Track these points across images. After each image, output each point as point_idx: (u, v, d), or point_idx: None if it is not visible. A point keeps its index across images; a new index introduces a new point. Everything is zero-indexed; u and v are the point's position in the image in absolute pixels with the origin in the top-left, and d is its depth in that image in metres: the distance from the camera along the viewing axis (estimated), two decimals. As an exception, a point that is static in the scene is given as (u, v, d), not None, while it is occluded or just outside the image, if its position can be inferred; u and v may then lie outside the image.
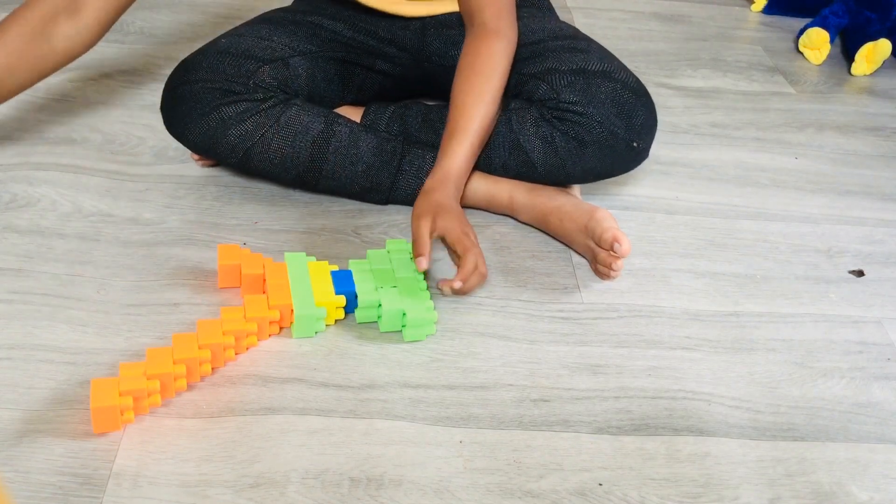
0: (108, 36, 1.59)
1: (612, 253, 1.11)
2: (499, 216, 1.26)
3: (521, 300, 1.12)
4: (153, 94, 1.46)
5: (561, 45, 1.21)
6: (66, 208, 1.19)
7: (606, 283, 1.16)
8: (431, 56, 1.32)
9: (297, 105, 1.19)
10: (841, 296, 1.19)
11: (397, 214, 1.24)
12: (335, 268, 1.08)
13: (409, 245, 1.12)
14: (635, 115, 1.16)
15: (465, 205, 1.23)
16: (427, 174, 1.21)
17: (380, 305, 1.03)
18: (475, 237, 1.07)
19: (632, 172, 1.36)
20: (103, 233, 1.16)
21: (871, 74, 1.80)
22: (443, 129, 1.21)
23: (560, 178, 1.20)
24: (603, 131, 1.15)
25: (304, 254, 1.08)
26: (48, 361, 0.97)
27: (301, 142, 1.17)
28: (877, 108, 1.68)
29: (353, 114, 1.28)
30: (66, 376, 0.95)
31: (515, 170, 1.20)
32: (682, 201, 1.34)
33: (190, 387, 0.95)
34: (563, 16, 1.86)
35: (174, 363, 0.92)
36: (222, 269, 1.07)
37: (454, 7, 1.29)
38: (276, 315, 1.01)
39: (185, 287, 1.08)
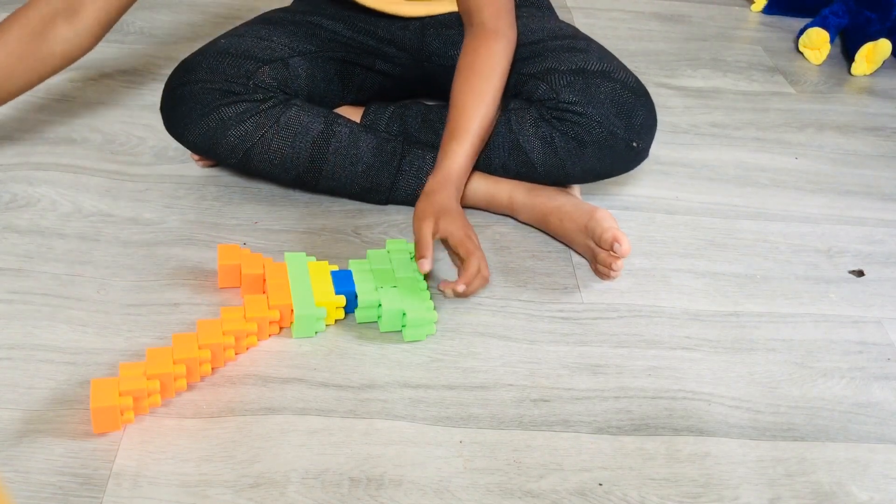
0: (108, 36, 1.59)
1: (612, 253, 1.11)
2: (499, 216, 1.26)
3: (521, 300, 1.12)
4: (153, 94, 1.46)
5: (560, 45, 1.21)
6: (66, 208, 1.19)
7: (606, 283, 1.16)
8: (431, 56, 1.32)
9: (297, 105, 1.19)
10: (841, 296, 1.19)
11: (397, 214, 1.24)
12: (335, 268, 1.08)
13: (410, 245, 1.12)
14: (635, 115, 1.16)
15: (465, 205, 1.23)
16: (427, 174, 1.21)
17: (380, 305, 1.03)
18: (477, 240, 1.07)
19: (632, 172, 1.36)
20: (103, 233, 1.16)
21: (871, 74, 1.80)
22: (442, 129, 1.21)
23: (560, 179, 1.20)
24: (602, 131, 1.15)
25: (304, 254, 1.08)
26: (48, 361, 0.97)
27: (301, 142, 1.17)
28: (877, 108, 1.68)
29: (353, 114, 1.28)
30: (66, 376, 0.95)
31: (515, 170, 1.20)
32: (682, 201, 1.34)
33: (190, 387, 0.95)
34: (563, 16, 1.86)
35: (174, 363, 0.92)
36: (222, 269, 1.07)
37: (453, 7, 1.29)
38: (276, 315, 1.01)
39: (185, 287, 1.08)
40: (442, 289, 1.05)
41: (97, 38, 1.21)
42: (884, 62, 1.80)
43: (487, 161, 1.20)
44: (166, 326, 1.03)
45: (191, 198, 1.24)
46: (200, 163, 1.29)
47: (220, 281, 1.08)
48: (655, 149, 1.42)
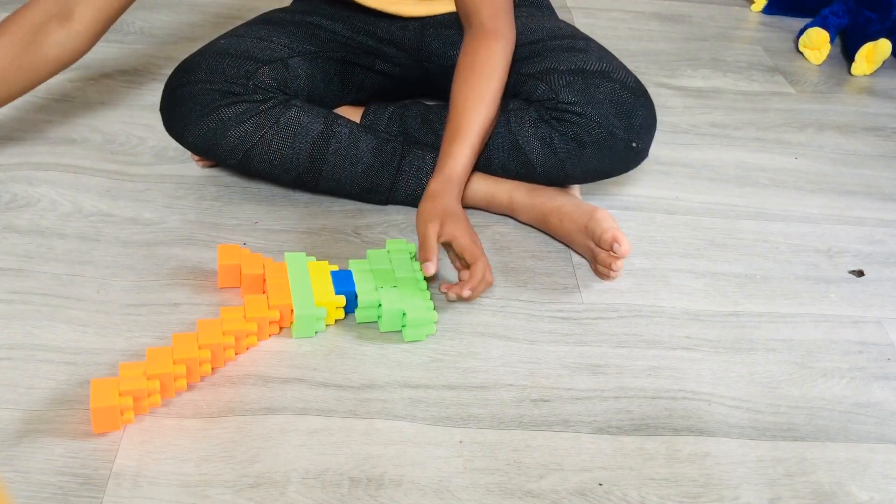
0: (107, 36, 1.59)
1: (611, 253, 1.11)
2: (499, 216, 1.26)
3: (521, 300, 1.12)
4: (153, 94, 1.46)
5: (560, 45, 1.21)
6: (66, 208, 1.19)
7: (606, 283, 1.16)
8: (430, 56, 1.32)
9: (297, 106, 1.18)
10: (841, 296, 1.19)
11: (397, 214, 1.24)
12: (335, 268, 1.08)
13: (410, 245, 1.12)
14: (634, 115, 1.16)
15: (465, 205, 1.23)
16: (426, 175, 1.21)
17: (380, 305, 1.03)
18: (481, 245, 1.07)
19: (632, 172, 1.36)
20: (103, 233, 1.16)
21: (871, 74, 1.80)
22: (442, 129, 1.21)
23: (559, 179, 1.20)
24: (602, 132, 1.15)
25: (304, 254, 1.08)
26: (48, 361, 0.97)
27: (301, 143, 1.17)
28: (877, 108, 1.68)
29: (353, 114, 1.28)
30: (66, 376, 0.95)
31: (515, 171, 1.20)
32: (682, 201, 1.34)
33: (190, 387, 0.95)
34: (563, 16, 1.86)
35: (174, 363, 0.92)
36: (222, 269, 1.07)
37: (453, 7, 1.29)
38: (276, 315, 1.01)
39: (185, 287, 1.08)
40: (444, 290, 1.05)
41: (91, 42, 1.20)
42: (884, 62, 1.80)
43: (487, 162, 1.20)
44: (166, 326, 1.03)
45: (191, 198, 1.24)
46: (200, 163, 1.29)
47: (220, 281, 1.08)
48: (655, 149, 1.42)
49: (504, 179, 1.22)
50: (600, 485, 0.90)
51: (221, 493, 0.85)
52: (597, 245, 1.13)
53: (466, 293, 1.04)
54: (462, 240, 1.05)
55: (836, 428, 0.99)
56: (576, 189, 1.26)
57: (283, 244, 1.17)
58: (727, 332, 1.10)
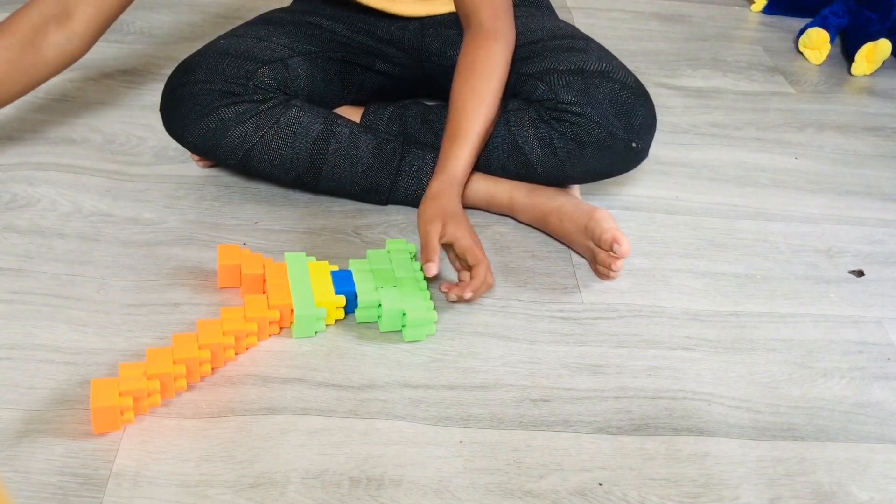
0: (107, 36, 1.59)
1: (611, 253, 1.11)
2: (499, 216, 1.26)
3: (521, 300, 1.12)
4: (153, 94, 1.46)
5: (559, 45, 1.21)
6: (66, 208, 1.19)
7: (606, 283, 1.16)
8: (430, 56, 1.32)
9: (297, 106, 1.18)
10: (841, 296, 1.19)
11: (397, 214, 1.24)
12: (335, 268, 1.08)
13: (410, 245, 1.12)
14: (634, 115, 1.16)
15: (465, 205, 1.23)
16: (426, 175, 1.21)
17: (380, 305, 1.03)
18: (482, 246, 1.07)
19: (632, 172, 1.36)
20: (103, 233, 1.16)
21: (871, 74, 1.80)
22: (441, 129, 1.21)
23: (559, 179, 1.20)
24: (601, 132, 1.15)
25: (304, 254, 1.08)
26: (48, 361, 0.97)
27: (301, 143, 1.17)
28: (877, 108, 1.68)
29: (353, 114, 1.28)
30: (66, 376, 0.95)
31: (514, 171, 1.20)
32: (682, 201, 1.34)
33: (190, 387, 0.95)
34: (563, 16, 1.86)
35: (174, 363, 0.92)
36: (222, 269, 1.07)
37: (453, 7, 1.29)
38: (276, 315, 1.01)
39: (185, 287, 1.08)
40: (445, 291, 1.05)
41: (90, 44, 1.21)
42: (884, 62, 1.80)
43: (487, 162, 1.20)
44: (166, 326, 1.03)
45: (191, 198, 1.24)
46: (200, 163, 1.29)
47: (220, 281, 1.08)
48: (655, 149, 1.42)
49: (504, 179, 1.22)
50: (600, 485, 0.90)
51: (221, 493, 0.85)
52: (597, 245, 1.13)
53: (468, 295, 1.04)
54: (464, 241, 1.05)
55: (836, 428, 0.99)
56: (576, 189, 1.26)
57: (283, 244, 1.17)
58: (727, 332, 1.10)
